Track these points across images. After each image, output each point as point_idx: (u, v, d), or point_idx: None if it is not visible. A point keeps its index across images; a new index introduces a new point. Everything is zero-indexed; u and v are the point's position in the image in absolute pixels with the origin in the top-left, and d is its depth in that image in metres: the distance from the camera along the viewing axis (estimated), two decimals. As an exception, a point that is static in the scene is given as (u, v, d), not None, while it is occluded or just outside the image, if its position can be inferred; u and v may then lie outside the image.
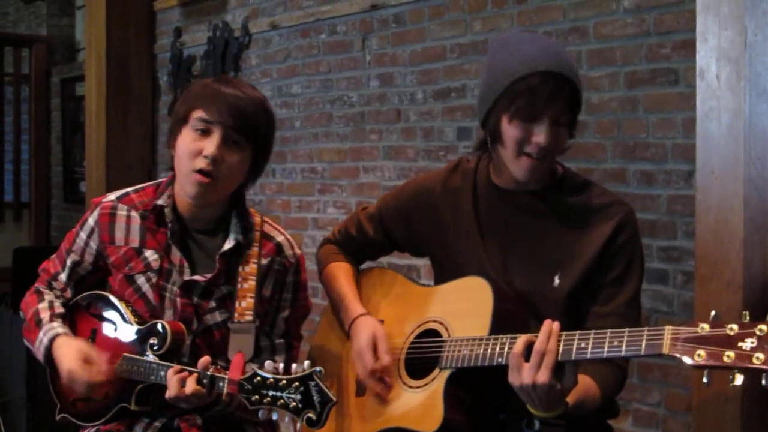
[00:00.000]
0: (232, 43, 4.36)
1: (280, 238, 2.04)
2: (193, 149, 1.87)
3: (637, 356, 1.54)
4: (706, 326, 1.46)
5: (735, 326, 1.43)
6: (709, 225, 2.18)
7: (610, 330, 1.58)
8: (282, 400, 1.66)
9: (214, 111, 1.87)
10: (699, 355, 1.44)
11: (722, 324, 1.44)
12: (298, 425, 1.66)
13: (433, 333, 1.86)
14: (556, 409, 1.64)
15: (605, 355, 1.56)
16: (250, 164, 1.95)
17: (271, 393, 1.67)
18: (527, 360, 1.61)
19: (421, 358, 1.85)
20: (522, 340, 1.63)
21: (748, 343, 1.40)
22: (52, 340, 1.94)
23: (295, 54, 4.05)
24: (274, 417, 1.68)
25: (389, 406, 1.87)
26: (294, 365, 1.69)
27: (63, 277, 2.06)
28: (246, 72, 4.31)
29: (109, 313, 1.99)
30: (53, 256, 2.12)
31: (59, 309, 2.02)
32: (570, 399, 1.66)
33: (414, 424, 1.79)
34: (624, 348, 1.54)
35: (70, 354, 1.89)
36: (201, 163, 1.86)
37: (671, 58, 2.62)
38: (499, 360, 1.68)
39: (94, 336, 2.00)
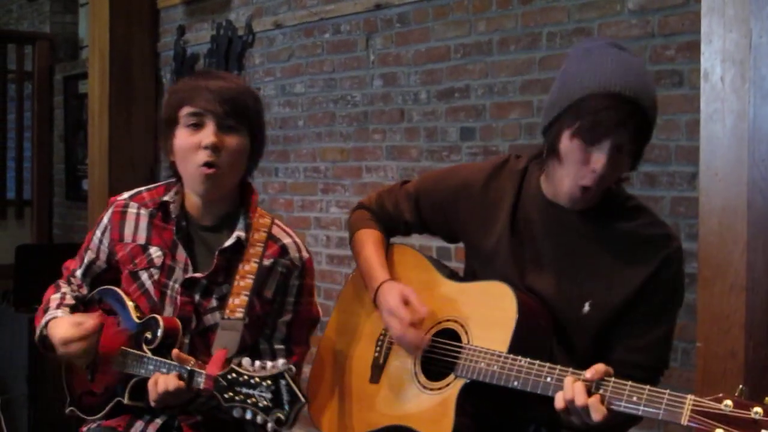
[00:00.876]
0: (236, 41, 4.36)
1: (286, 240, 2.02)
2: (191, 144, 1.88)
3: (654, 418, 1.51)
4: (730, 403, 1.41)
5: (760, 409, 1.38)
6: (712, 227, 2.18)
7: (630, 383, 1.54)
8: (253, 398, 1.60)
9: (202, 102, 1.87)
10: None
11: (747, 406, 1.39)
12: (269, 426, 1.59)
13: (452, 333, 1.84)
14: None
15: (622, 408, 1.53)
16: (249, 148, 1.95)
17: (243, 390, 1.62)
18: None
19: (438, 359, 1.83)
20: (559, 399, 1.59)
21: None
22: (48, 321, 1.96)
23: (299, 53, 4.04)
24: (248, 416, 1.62)
25: (401, 401, 1.86)
26: (269, 363, 1.63)
27: (79, 273, 2.09)
28: (249, 71, 4.31)
29: (116, 307, 2.01)
30: (77, 254, 2.16)
31: (69, 300, 2.04)
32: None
33: (422, 428, 1.79)
34: (642, 406, 1.51)
35: (62, 325, 1.91)
36: (203, 156, 1.87)
37: (675, 60, 2.61)
38: (515, 384, 1.66)
39: (101, 329, 2.02)
